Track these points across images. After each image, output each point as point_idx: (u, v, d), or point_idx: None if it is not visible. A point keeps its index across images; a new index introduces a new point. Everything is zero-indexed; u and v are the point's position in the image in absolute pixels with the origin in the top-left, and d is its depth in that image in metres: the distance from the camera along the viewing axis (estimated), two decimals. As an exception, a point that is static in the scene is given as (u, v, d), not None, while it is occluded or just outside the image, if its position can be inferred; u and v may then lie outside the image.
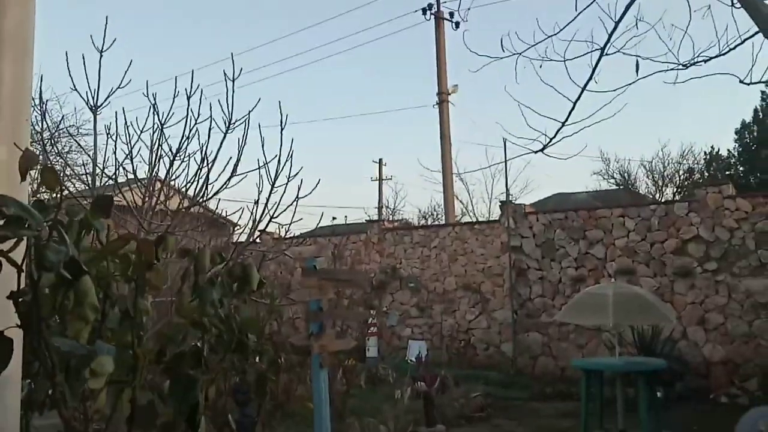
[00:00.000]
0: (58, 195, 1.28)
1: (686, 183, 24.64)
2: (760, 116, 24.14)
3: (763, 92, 24.07)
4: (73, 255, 1.20)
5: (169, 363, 1.43)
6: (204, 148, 6.15)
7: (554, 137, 4.85)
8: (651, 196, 24.35)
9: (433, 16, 21.61)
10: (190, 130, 6.11)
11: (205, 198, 6.49)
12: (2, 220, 1.19)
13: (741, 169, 24.18)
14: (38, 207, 1.32)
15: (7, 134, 1.42)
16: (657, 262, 12.25)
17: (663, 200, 19.71)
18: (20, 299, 1.23)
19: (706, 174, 24.41)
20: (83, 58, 5.89)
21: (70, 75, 5.95)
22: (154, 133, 6.23)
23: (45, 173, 1.27)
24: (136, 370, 1.37)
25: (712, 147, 25.43)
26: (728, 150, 24.99)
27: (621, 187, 25.68)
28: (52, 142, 7.63)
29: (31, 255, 1.26)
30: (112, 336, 1.48)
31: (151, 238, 1.60)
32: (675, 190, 25.19)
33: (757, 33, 3.80)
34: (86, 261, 1.31)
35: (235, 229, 7.91)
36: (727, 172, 23.45)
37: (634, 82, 4.58)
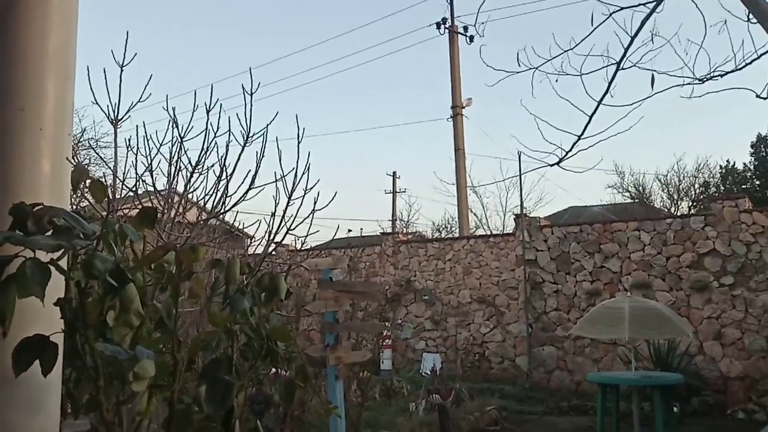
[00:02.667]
0: (106, 207, 1.34)
1: (702, 197, 24.54)
2: (776, 130, 24.05)
3: (779, 106, 23.98)
4: (119, 264, 1.26)
5: (206, 369, 1.48)
6: (222, 161, 6.24)
7: (570, 150, 4.89)
8: (666, 210, 24.26)
9: (447, 31, 21.71)
10: (209, 144, 6.20)
11: (223, 210, 6.57)
12: (51, 230, 1.25)
13: (757, 183, 24.06)
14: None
15: (50, 148, 1.49)
16: (673, 276, 12.21)
17: (678, 214, 19.63)
18: (67, 305, 1.28)
19: (722, 188, 24.30)
20: (104, 72, 6.01)
21: (91, 89, 6.06)
22: (173, 146, 6.33)
23: (94, 186, 1.33)
24: (174, 374, 1.43)
25: (727, 161, 25.35)
26: (744, 164, 24.92)
27: (636, 200, 25.59)
28: (74, 154, 7.75)
29: (75, 263, 1.32)
30: (149, 343, 1.54)
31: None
32: (690, 203, 25.09)
33: (773, 48, 3.83)
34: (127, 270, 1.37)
35: (252, 241, 7.99)
36: (743, 186, 23.34)
37: (649, 97, 4.62)
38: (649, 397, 8.92)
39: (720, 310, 11.72)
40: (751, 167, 24.58)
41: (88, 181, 1.36)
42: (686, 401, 10.45)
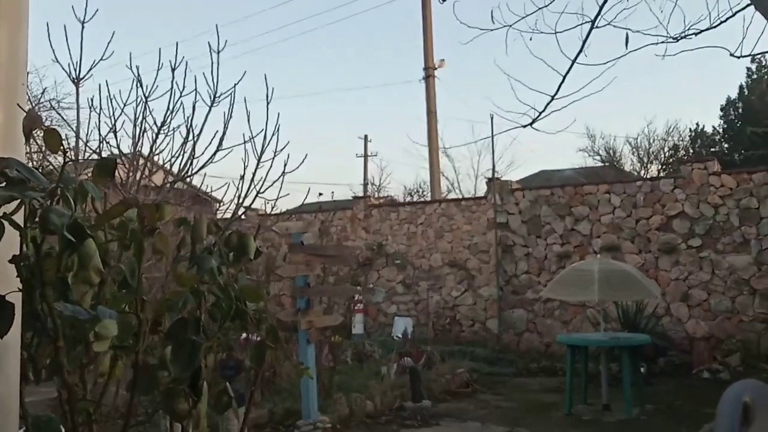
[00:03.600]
0: (61, 157, 1.26)
1: (671, 160, 24.76)
2: (746, 93, 24.28)
3: (748, 69, 24.21)
4: (77, 218, 1.19)
5: (172, 329, 1.42)
6: (189, 122, 6.09)
7: (543, 111, 4.85)
8: (636, 173, 24.47)
9: (419, -9, 21.40)
10: (175, 104, 6.04)
11: (190, 173, 6.44)
12: (4, 182, 1.17)
13: (726, 146, 24.35)
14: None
15: (3, 98, 1.40)
16: (642, 238, 12.35)
17: (648, 177, 19.82)
18: (23, 263, 1.21)
19: (692, 151, 24.54)
20: (65, 29, 5.80)
21: (51, 46, 5.86)
22: (137, 106, 6.15)
23: (48, 135, 1.25)
24: (138, 335, 1.37)
25: (697, 124, 25.56)
26: (713, 127, 25.16)
27: (606, 164, 25.77)
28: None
29: (33, 219, 1.25)
30: (112, 302, 1.47)
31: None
32: (660, 167, 25.33)
33: (747, 6, 3.81)
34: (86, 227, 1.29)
35: (220, 205, 7.88)
36: (712, 149, 23.60)
37: (624, 55, 4.58)
38: (617, 358, 9.07)
39: (687, 272, 11.90)
40: (720, 130, 24.83)
41: (41, 130, 1.28)
42: (653, 362, 10.65)
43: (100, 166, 1.35)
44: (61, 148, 1.26)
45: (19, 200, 1.15)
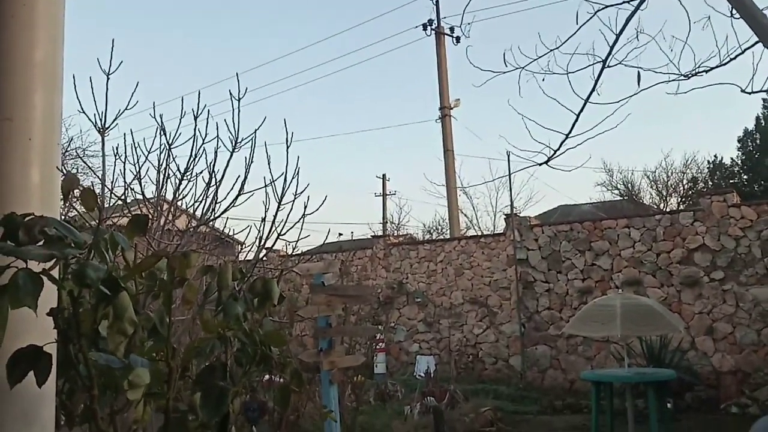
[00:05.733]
0: (95, 215, 1.33)
1: (690, 192, 24.65)
2: (762, 124, 24.20)
3: (764, 100, 24.15)
4: (112, 272, 1.26)
5: (200, 375, 1.48)
6: (211, 168, 6.22)
7: (558, 149, 4.91)
8: (655, 206, 24.37)
9: (433, 32, 21.75)
10: (198, 150, 6.18)
11: (213, 217, 6.55)
12: (42, 240, 1.25)
13: (744, 177, 24.21)
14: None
15: (40, 157, 1.49)
16: (663, 272, 12.27)
17: (668, 210, 19.73)
18: (60, 315, 1.28)
19: (710, 183, 24.42)
20: (91, 80, 5.98)
21: (77, 97, 6.03)
22: (161, 153, 6.30)
23: (84, 195, 1.33)
24: (169, 382, 1.43)
25: (715, 156, 25.47)
26: (731, 158, 25.04)
27: (625, 197, 25.70)
28: (62, 163, 7.72)
29: (67, 272, 1.32)
30: (142, 351, 1.53)
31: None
32: (679, 199, 25.21)
33: (756, 43, 3.86)
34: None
35: (242, 247, 7.97)
36: (731, 181, 23.48)
37: (636, 94, 4.65)
38: (642, 394, 8.95)
39: (711, 305, 11.78)
40: (739, 162, 24.71)
41: (78, 190, 1.36)
42: (680, 397, 10.50)
43: (134, 222, 1.42)
44: (96, 206, 1.34)
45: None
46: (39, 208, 1.40)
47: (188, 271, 1.59)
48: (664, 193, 25.73)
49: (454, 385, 11.34)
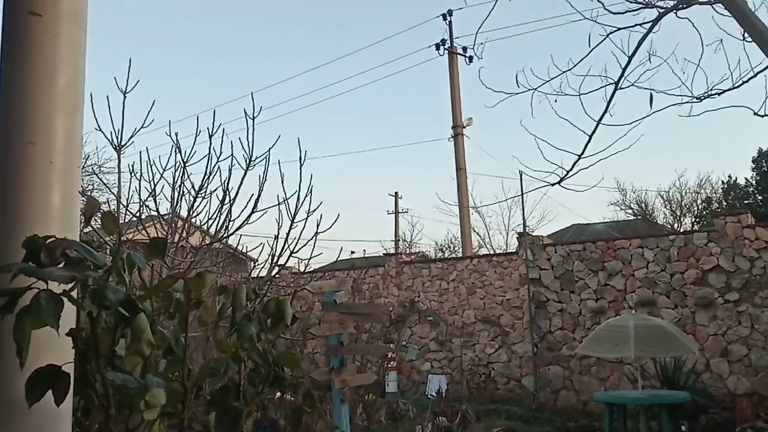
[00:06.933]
0: (116, 238, 1.37)
1: (704, 212, 24.52)
2: (777, 145, 24.08)
3: (778, 121, 23.99)
4: (130, 294, 1.29)
5: (214, 396, 1.50)
6: (225, 185, 6.29)
7: (571, 170, 4.92)
8: (669, 226, 24.25)
9: (446, 52, 21.86)
10: (212, 168, 6.25)
11: (226, 234, 6.60)
12: (63, 262, 1.28)
13: (759, 197, 24.06)
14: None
15: (60, 180, 1.52)
16: (677, 293, 12.19)
17: (681, 230, 19.63)
18: (79, 336, 1.31)
19: (724, 203, 24.29)
20: (108, 99, 6.07)
21: (94, 115, 6.12)
22: (176, 171, 6.38)
23: (105, 218, 1.36)
24: (184, 402, 1.45)
25: (729, 176, 25.35)
26: (746, 179, 24.91)
27: (638, 217, 25.59)
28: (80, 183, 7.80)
29: (86, 293, 1.35)
30: (156, 368, 1.56)
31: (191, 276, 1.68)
32: (693, 219, 25.07)
33: (769, 66, 3.88)
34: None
35: (255, 264, 8.01)
36: (746, 201, 23.34)
37: (648, 115, 4.66)
38: (656, 416, 8.88)
39: (726, 327, 11.68)
40: (753, 182, 24.57)
41: (99, 214, 1.39)
42: (694, 419, 10.39)
43: (152, 245, 1.46)
44: (116, 230, 1.37)
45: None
46: (60, 231, 1.44)
47: (203, 290, 1.62)
48: (678, 213, 25.62)
49: (466, 404, 11.28)
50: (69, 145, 1.58)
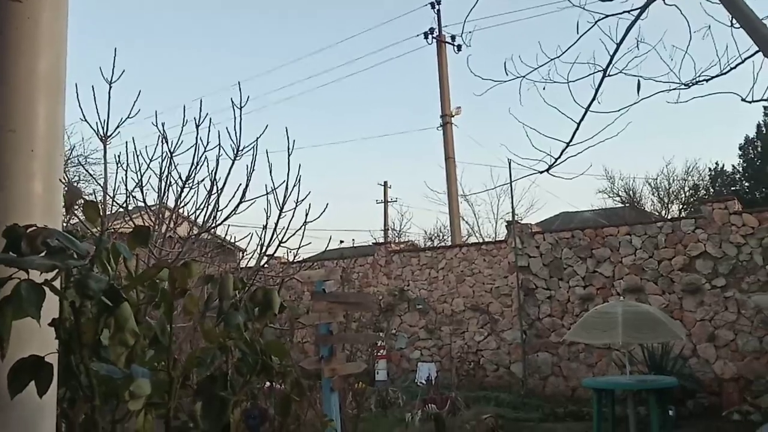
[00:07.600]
0: (98, 225, 1.34)
1: (692, 199, 24.65)
2: (764, 132, 24.20)
3: (766, 108, 24.14)
4: (113, 283, 1.27)
5: (201, 385, 1.49)
6: (213, 175, 6.24)
7: (559, 157, 4.91)
8: (657, 213, 24.35)
9: (435, 40, 21.80)
10: (199, 158, 6.20)
11: (214, 224, 6.57)
12: (45, 251, 1.25)
13: (746, 184, 24.21)
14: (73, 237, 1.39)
15: (42, 169, 1.50)
16: (665, 279, 12.26)
17: (669, 217, 19.73)
18: (61, 326, 1.29)
19: (712, 190, 24.42)
20: (93, 89, 6.00)
21: (80, 106, 6.06)
22: (163, 161, 6.32)
23: (87, 207, 1.34)
24: (170, 392, 1.43)
25: (716, 163, 25.47)
26: (733, 166, 25.04)
27: (626, 204, 25.70)
28: (64, 171, 7.74)
29: (69, 283, 1.33)
30: (143, 361, 1.54)
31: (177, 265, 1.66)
32: (681, 206, 25.21)
33: (756, 52, 3.88)
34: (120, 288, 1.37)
35: (244, 254, 7.99)
36: (733, 188, 23.47)
37: (636, 103, 4.65)
38: (644, 401, 8.95)
39: (713, 312, 11.77)
40: (740, 169, 24.71)
41: (81, 202, 1.37)
42: (681, 404, 10.48)
43: (135, 234, 1.43)
44: (99, 218, 1.35)
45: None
46: (41, 220, 1.41)
47: (189, 280, 1.61)
48: (666, 201, 25.75)
49: (456, 392, 11.33)
50: (51, 133, 1.55)
